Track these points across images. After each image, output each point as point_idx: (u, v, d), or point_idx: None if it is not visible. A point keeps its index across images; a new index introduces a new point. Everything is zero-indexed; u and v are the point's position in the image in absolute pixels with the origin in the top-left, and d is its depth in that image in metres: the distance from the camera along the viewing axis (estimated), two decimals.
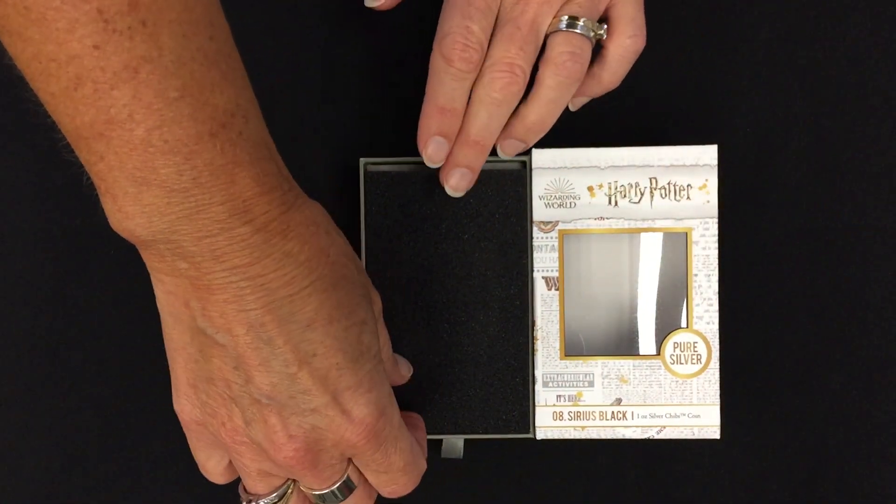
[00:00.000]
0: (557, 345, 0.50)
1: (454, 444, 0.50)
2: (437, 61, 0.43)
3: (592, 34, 0.43)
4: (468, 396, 0.50)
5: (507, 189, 0.49)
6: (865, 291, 0.52)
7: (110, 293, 0.52)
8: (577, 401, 0.50)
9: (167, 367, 0.52)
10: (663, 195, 0.49)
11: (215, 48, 0.31)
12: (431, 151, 0.45)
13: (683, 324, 0.50)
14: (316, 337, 0.35)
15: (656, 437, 0.50)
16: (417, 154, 0.47)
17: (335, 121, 0.52)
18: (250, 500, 0.41)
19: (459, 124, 0.44)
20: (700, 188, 0.49)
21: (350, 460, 0.40)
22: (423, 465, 0.42)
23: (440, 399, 0.50)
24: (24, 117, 0.51)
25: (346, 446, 0.38)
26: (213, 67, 0.31)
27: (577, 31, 0.43)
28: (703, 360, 0.50)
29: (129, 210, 0.32)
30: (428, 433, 0.49)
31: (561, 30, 0.43)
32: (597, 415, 0.50)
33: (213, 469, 0.42)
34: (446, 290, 0.50)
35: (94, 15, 0.28)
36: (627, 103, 0.52)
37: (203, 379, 0.37)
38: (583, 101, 0.48)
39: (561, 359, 0.50)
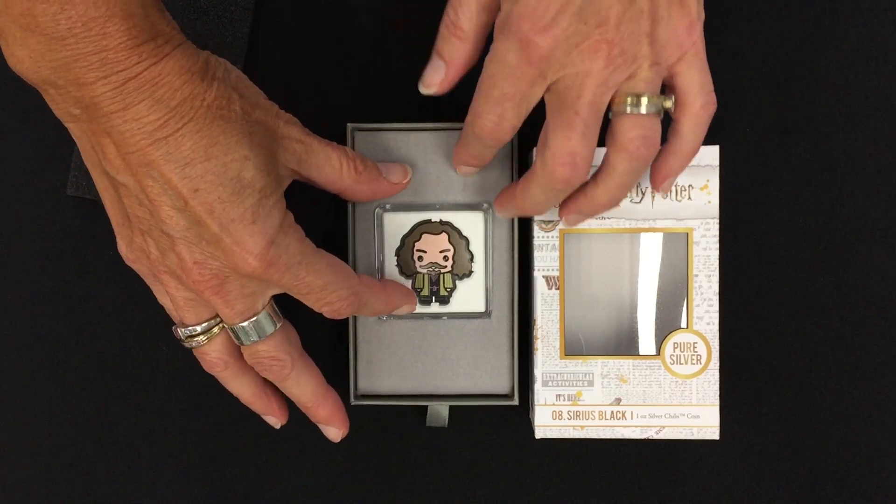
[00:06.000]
0: (557, 344, 0.50)
1: (438, 411, 0.50)
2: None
3: (659, 110, 0.41)
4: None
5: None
6: (865, 291, 0.52)
7: (110, 293, 0.52)
8: (576, 400, 0.50)
9: (167, 367, 0.52)
10: (664, 195, 0.49)
11: None
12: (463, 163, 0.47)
13: (683, 324, 0.50)
14: (195, 173, 0.38)
15: (655, 437, 0.50)
16: (404, 119, 0.49)
17: (323, 86, 0.51)
18: (173, 328, 0.45)
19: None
20: (701, 189, 0.49)
21: (273, 304, 0.44)
22: (354, 283, 0.44)
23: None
24: (23, 117, 0.51)
25: (246, 275, 0.41)
26: None
27: (643, 111, 0.40)
28: (703, 360, 0.50)
29: (19, 54, 0.36)
30: (412, 401, 0.50)
31: (627, 113, 0.40)
32: (596, 414, 0.50)
33: (168, 302, 0.45)
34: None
35: None
36: None
37: (123, 217, 0.42)
38: (671, 181, 0.46)
39: (561, 358, 0.50)
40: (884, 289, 0.52)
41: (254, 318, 0.43)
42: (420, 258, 0.50)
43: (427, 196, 0.50)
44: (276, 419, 0.48)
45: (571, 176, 0.41)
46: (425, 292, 0.50)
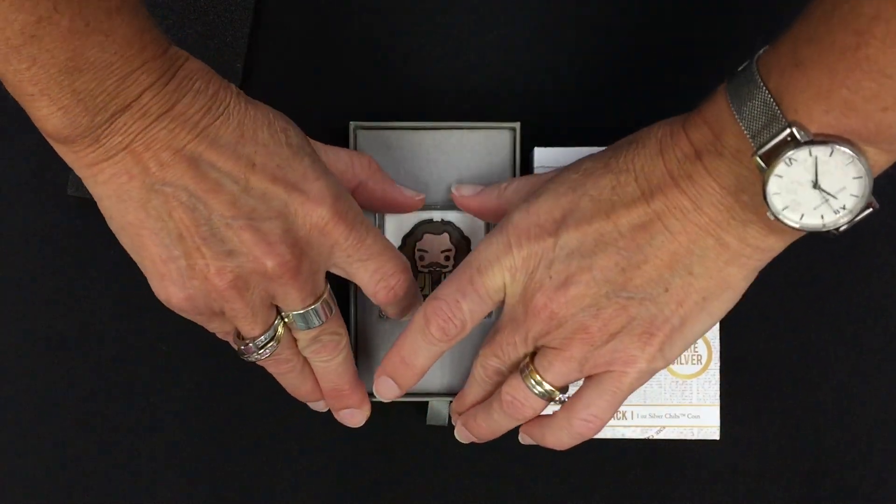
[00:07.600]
0: None
1: (439, 410, 0.50)
2: (417, 319, 0.44)
3: (542, 394, 0.43)
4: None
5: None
6: (866, 290, 0.52)
7: (110, 293, 0.52)
8: None
9: (167, 367, 0.52)
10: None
11: None
12: (380, 388, 0.46)
13: None
14: (248, 149, 0.39)
15: (656, 437, 0.50)
16: (406, 118, 0.50)
17: (323, 86, 0.52)
18: (244, 347, 0.43)
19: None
20: None
21: (327, 282, 0.43)
22: (404, 259, 0.45)
23: None
24: (22, 117, 0.51)
25: (319, 234, 0.41)
26: None
27: (534, 391, 0.43)
28: (703, 360, 0.50)
29: (66, 102, 0.36)
30: (413, 396, 0.50)
31: (521, 377, 0.43)
32: None
33: (229, 332, 0.44)
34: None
35: None
36: (627, 102, 0.52)
37: (174, 239, 0.39)
38: (529, 441, 0.47)
39: None
40: (884, 288, 0.52)
41: (321, 298, 0.43)
42: (421, 258, 0.50)
43: (428, 196, 0.50)
44: (366, 407, 0.48)
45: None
46: (427, 292, 0.50)
